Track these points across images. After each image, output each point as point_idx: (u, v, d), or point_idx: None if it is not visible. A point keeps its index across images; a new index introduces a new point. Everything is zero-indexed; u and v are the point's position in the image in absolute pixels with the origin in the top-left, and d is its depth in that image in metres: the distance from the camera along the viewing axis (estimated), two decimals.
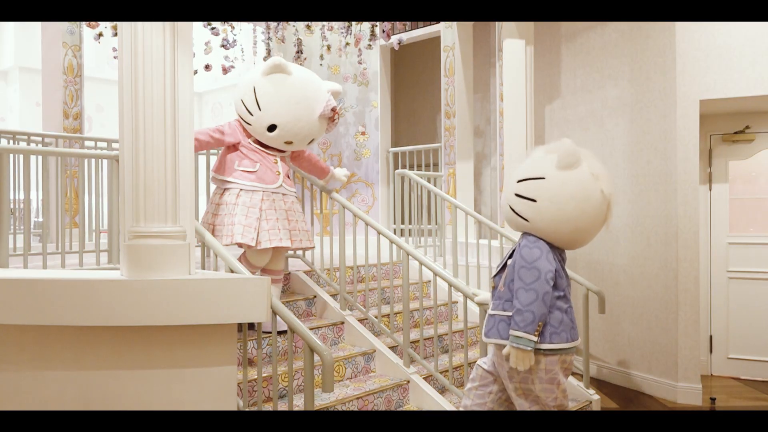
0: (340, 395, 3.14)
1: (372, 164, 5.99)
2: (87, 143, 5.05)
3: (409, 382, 3.42)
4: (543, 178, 2.41)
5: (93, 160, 4.01)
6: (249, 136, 3.34)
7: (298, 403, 2.96)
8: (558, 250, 2.52)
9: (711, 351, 5.10)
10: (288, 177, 3.42)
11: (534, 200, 2.41)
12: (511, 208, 2.50)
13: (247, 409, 2.66)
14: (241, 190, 3.22)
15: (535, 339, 2.35)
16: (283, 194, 3.33)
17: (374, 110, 6.07)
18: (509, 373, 2.47)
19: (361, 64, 5.67)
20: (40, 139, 4.82)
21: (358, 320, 3.79)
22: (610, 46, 4.87)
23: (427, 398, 3.33)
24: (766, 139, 4.98)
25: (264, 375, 2.97)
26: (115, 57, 4.13)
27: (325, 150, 6.19)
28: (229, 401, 2.31)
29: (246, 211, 3.16)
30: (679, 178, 4.46)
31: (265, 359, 3.26)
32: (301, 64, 5.47)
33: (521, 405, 2.50)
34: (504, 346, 2.45)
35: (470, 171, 5.52)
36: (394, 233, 4.21)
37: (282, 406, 2.85)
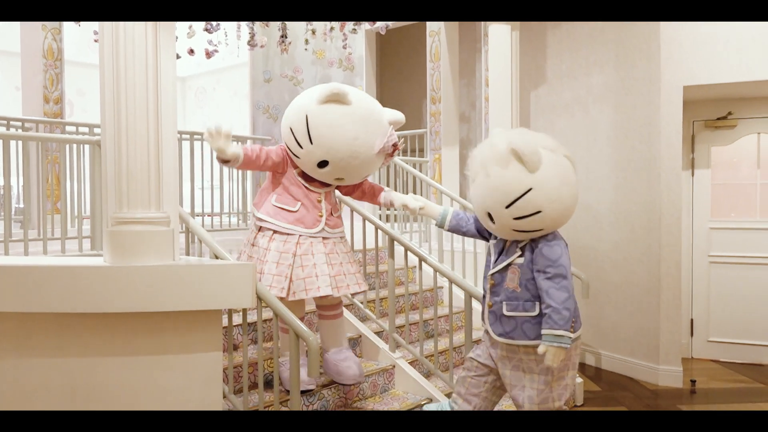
0: (326, 380, 3.15)
1: None
2: (68, 128, 4.99)
3: (394, 366, 3.44)
4: (531, 189, 2.33)
5: (74, 146, 3.97)
6: (295, 166, 2.91)
7: (283, 389, 2.97)
8: None
9: (692, 334, 5.18)
10: (332, 214, 2.99)
11: (539, 211, 2.35)
12: (517, 231, 2.43)
13: (233, 395, 2.66)
14: (274, 233, 2.84)
15: (573, 336, 2.37)
16: (324, 237, 2.90)
17: None
18: (534, 372, 2.47)
19: (346, 48, 5.63)
20: (19, 124, 4.75)
21: (344, 306, 3.80)
22: (596, 32, 4.88)
23: (413, 383, 3.35)
24: (748, 125, 5.03)
25: (249, 361, 2.97)
26: (96, 41, 4.07)
27: None
28: (214, 387, 2.31)
29: (278, 257, 2.79)
30: (663, 164, 4.50)
31: (250, 345, 3.26)
32: (285, 49, 5.42)
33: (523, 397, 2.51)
34: (529, 346, 2.45)
35: (456, 156, 5.53)
36: (380, 219, 4.21)
37: (267, 392, 2.86)
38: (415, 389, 3.34)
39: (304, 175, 2.90)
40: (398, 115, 2.95)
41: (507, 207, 2.35)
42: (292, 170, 2.89)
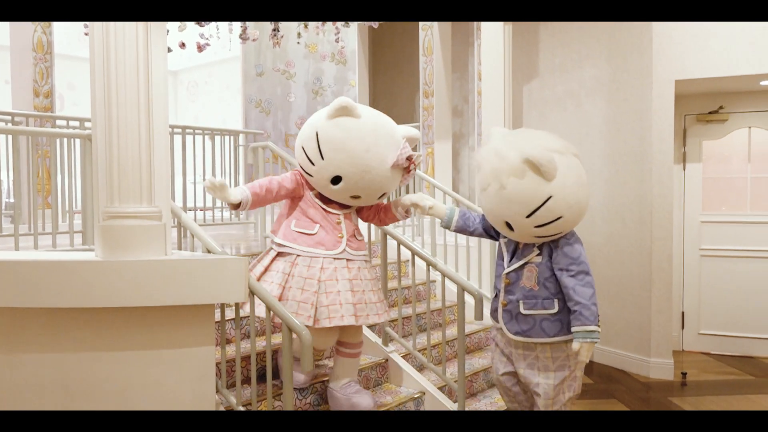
0: (319, 374, 3.15)
1: None
2: (59, 122, 4.96)
3: (387, 360, 3.45)
4: (551, 198, 2.35)
5: (65, 140, 3.94)
6: (311, 188, 2.84)
7: (276, 383, 2.97)
8: None
9: (683, 327, 5.21)
10: (355, 237, 2.88)
11: (560, 217, 2.39)
12: (538, 237, 2.48)
13: (225, 390, 2.66)
14: (298, 257, 2.74)
15: (599, 329, 2.44)
16: (348, 260, 2.79)
17: (352, 89, 6.03)
18: (549, 370, 2.53)
19: (338, 42, 5.61)
20: (9, 118, 4.71)
21: None
22: (589, 25, 4.88)
23: (406, 376, 3.36)
24: (739, 119, 5.06)
25: (242, 355, 2.97)
26: (86, 34, 4.04)
27: None
28: (207, 381, 2.31)
29: (302, 283, 2.68)
30: (655, 158, 4.51)
31: (244, 339, 3.26)
32: (277, 43, 5.39)
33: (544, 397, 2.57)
34: (546, 344, 2.51)
35: (448, 150, 5.52)
36: None
37: (260, 386, 2.86)
38: (408, 383, 3.35)
39: (322, 197, 2.83)
40: (413, 131, 2.87)
41: (528, 216, 2.37)
42: (308, 193, 2.83)
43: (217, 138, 5.54)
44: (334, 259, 2.76)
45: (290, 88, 6.25)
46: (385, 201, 3.07)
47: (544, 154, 2.31)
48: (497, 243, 2.73)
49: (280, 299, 2.65)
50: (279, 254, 2.79)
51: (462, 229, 2.83)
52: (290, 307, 2.62)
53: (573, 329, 2.43)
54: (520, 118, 5.26)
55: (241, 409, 2.60)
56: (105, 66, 2.15)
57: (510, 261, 2.58)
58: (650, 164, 4.53)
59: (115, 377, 2.18)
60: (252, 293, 2.47)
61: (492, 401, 3.49)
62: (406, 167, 2.79)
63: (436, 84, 5.46)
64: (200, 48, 5.21)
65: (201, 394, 2.31)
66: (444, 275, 3.28)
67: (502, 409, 3.37)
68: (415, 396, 3.23)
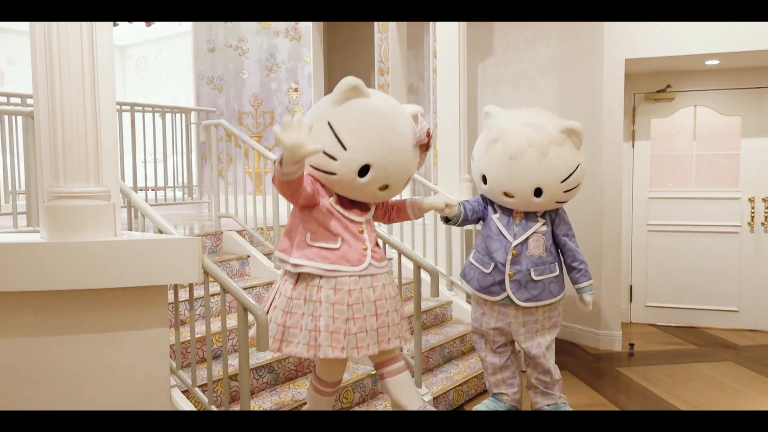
0: (276, 354, 3.14)
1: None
2: None
3: None
4: (579, 164, 2.72)
5: (6, 117, 3.78)
6: (329, 193, 2.47)
7: (233, 363, 2.95)
8: None
9: (631, 300, 5.39)
10: (377, 245, 2.59)
11: (580, 183, 2.76)
12: (558, 202, 2.80)
13: (181, 371, 2.63)
14: (321, 278, 2.41)
15: None
16: (372, 275, 2.50)
17: (307, 66, 5.95)
18: (546, 329, 2.89)
19: None
20: None
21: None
22: None
23: None
24: (685, 97, 5.20)
25: (197, 336, 2.94)
26: None
27: (257, 107, 6.05)
28: (161, 363, 2.28)
29: (331, 311, 2.39)
30: (605, 136, 4.61)
31: (198, 320, 3.22)
32: None
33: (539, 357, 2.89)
34: (546, 305, 2.85)
35: None
36: None
37: (216, 366, 2.84)
38: (366, 360, 3.37)
39: (341, 203, 2.49)
40: (416, 107, 2.60)
41: (562, 182, 2.68)
42: (325, 200, 2.45)
43: (168, 116, 5.40)
44: (359, 277, 2.46)
45: (243, 65, 6.12)
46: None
47: (580, 125, 2.68)
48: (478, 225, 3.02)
49: (284, 326, 2.41)
50: (299, 278, 2.46)
51: (464, 221, 2.93)
52: (323, 340, 2.37)
53: (583, 285, 2.85)
54: (475, 96, 5.29)
55: (197, 390, 2.57)
56: (47, 39, 2.06)
57: (515, 235, 2.80)
58: (601, 142, 4.63)
59: (66, 361, 2.14)
60: (206, 273, 2.43)
61: (448, 375, 3.55)
62: (425, 144, 2.53)
63: (392, 61, 5.44)
64: (148, 22, 5.04)
65: (156, 376, 2.28)
66: (400, 252, 3.29)
67: (460, 384, 3.44)
68: (372, 373, 3.25)
